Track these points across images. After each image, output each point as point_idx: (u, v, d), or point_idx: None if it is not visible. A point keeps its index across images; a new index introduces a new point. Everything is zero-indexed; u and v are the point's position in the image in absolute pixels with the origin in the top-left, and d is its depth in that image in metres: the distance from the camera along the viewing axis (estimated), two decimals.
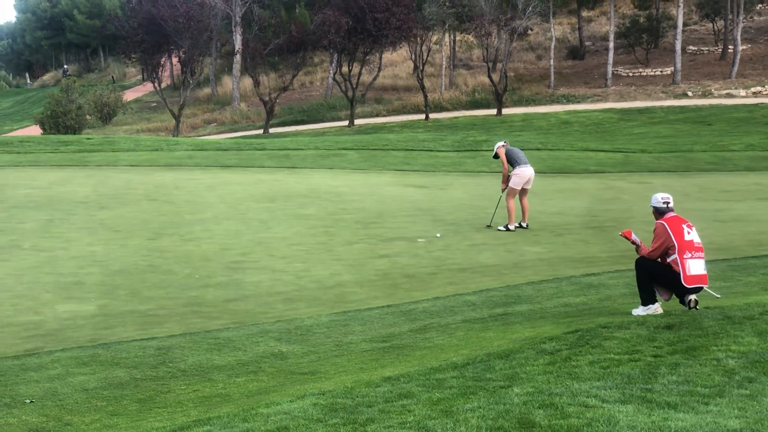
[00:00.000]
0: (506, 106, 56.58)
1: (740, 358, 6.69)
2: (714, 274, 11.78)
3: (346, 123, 56.57)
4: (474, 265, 14.20)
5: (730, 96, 54.14)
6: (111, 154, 30.26)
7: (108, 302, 12.14)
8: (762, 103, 50.53)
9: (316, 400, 6.45)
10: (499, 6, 60.13)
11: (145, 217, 18.89)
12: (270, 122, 56.97)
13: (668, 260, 9.04)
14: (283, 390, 7.45)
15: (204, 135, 58.33)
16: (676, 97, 55.53)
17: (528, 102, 59.11)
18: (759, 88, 54.60)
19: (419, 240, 16.34)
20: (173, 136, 51.66)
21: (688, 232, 9.07)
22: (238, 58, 67.66)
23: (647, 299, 9.15)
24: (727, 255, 13.57)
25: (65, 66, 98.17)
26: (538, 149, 31.50)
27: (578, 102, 57.41)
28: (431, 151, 32.37)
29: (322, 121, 60.31)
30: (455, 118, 55.51)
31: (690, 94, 55.64)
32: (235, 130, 60.01)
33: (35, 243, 16.21)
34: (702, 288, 9.02)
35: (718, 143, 34.97)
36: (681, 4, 59.69)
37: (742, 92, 54.51)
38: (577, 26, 73.50)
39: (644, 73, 63.50)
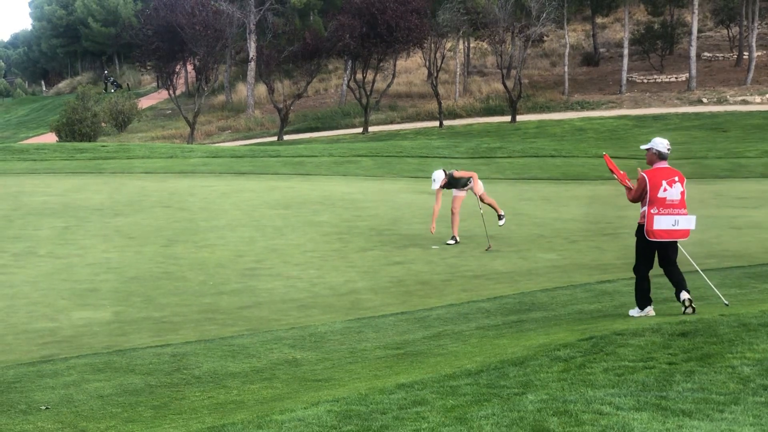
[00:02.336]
0: (520, 113, 56.50)
1: (755, 365, 6.66)
2: (729, 281, 11.76)
3: (360, 130, 56.60)
4: (488, 271, 14.19)
5: (745, 102, 53.94)
6: (126, 162, 30.39)
7: (123, 309, 12.18)
8: None
9: (330, 407, 6.45)
10: (513, 13, 60.08)
11: (160, 224, 18.96)
12: (284, 129, 57.04)
13: (641, 209, 9.89)
14: (297, 397, 7.46)
15: (218, 142, 58.47)
16: (691, 103, 55.34)
17: (542, 109, 59.01)
18: None
19: (433, 247, 16.34)
20: (188, 144, 51.79)
21: (665, 189, 9.82)
22: (252, 65, 67.83)
23: (643, 304, 9.87)
24: (742, 262, 13.53)
25: (106, 73, 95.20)
26: (552, 156, 31.48)
27: (593, 109, 57.28)
28: (445, 158, 32.37)
29: (337, 128, 60.36)
30: (469, 125, 55.48)
31: (705, 100, 55.45)
32: (250, 137, 60.13)
33: (51, 250, 16.29)
34: (673, 242, 9.88)
35: (734, 150, 34.85)
36: (696, 11, 59.53)
37: (758, 99, 54.29)
38: (591, 33, 73.37)
39: (659, 80, 63.34)
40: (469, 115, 59.48)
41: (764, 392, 6.02)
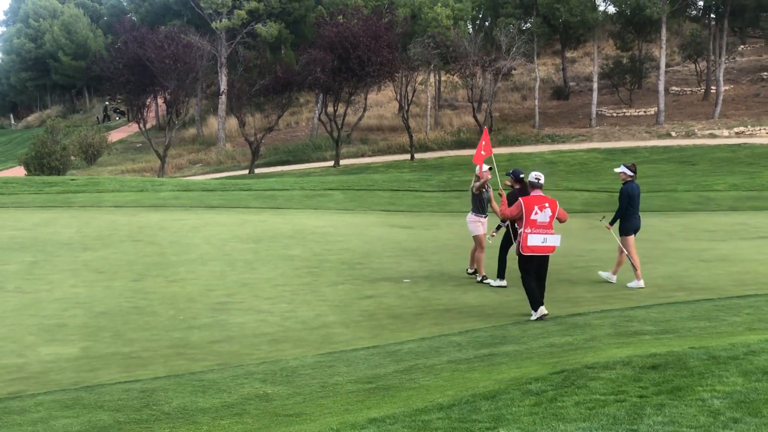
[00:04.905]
0: (492, 146, 56.80)
1: (725, 398, 6.69)
2: (699, 313, 11.83)
3: (331, 163, 56.67)
4: (459, 305, 14.19)
5: (713, 136, 54.51)
6: (95, 195, 30.22)
7: (91, 344, 12.06)
8: (745, 143, 50.90)
9: None
10: (483, 47, 60.59)
11: (130, 258, 18.84)
12: (255, 162, 57.02)
13: (519, 230, 12.63)
14: None
15: (189, 175, 58.31)
16: (660, 137, 55.88)
17: (513, 142, 59.36)
18: (742, 128, 54.99)
19: (405, 280, 16.33)
20: (158, 177, 51.62)
21: (536, 213, 12.52)
22: (223, 98, 67.90)
23: (534, 305, 12.56)
24: (711, 295, 13.61)
25: (108, 104, 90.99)
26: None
27: (563, 142, 57.70)
28: (417, 191, 32.45)
29: (308, 161, 60.41)
30: (441, 158, 55.69)
31: (674, 134, 56.00)
32: (221, 171, 60.03)
33: (19, 285, 16.13)
34: (544, 256, 12.63)
35: (702, 183, 35.18)
36: (664, 45, 60.27)
37: (725, 132, 54.89)
38: (561, 67, 74.06)
39: (628, 114, 63.94)
40: (440, 148, 59.73)
41: (734, 425, 6.04)
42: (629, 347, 9.48)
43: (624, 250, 15.51)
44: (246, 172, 56.58)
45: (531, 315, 12.58)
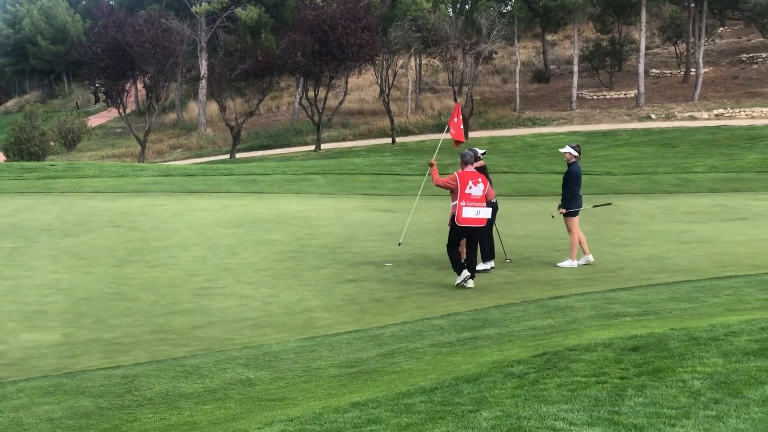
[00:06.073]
0: (472, 130, 56.83)
1: (706, 379, 6.73)
2: (679, 295, 11.89)
3: (312, 147, 56.59)
4: (441, 288, 14.22)
5: (692, 118, 54.74)
6: (75, 181, 30.07)
7: (73, 330, 12.02)
8: (724, 125, 51.14)
9: (284, 427, 6.41)
10: (464, 30, 60.56)
11: (110, 244, 18.76)
12: (236, 147, 56.88)
13: (453, 203, 13.77)
14: (250, 417, 7.40)
15: (170, 160, 58.12)
16: (640, 119, 56.06)
17: (494, 125, 59.42)
18: (721, 111, 55.25)
19: (387, 264, 16.34)
20: (139, 162, 51.42)
21: (470, 187, 13.66)
22: (203, 83, 67.62)
23: (459, 270, 13.93)
24: (692, 276, 13.69)
25: (97, 86, 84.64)
26: (504, 172, 31.68)
27: (544, 125, 57.80)
28: (398, 175, 32.46)
29: (289, 145, 60.29)
30: (422, 141, 55.68)
31: (654, 116, 56.19)
32: (202, 156, 59.86)
33: None
34: (475, 228, 13.81)
35: (682, 165, 35.33)
36: (643, 28, 60.39)
37: (705, 114, 55.13)
38: (541, 50, 74.12)
39: (608, 96, 64.10)
40: (421, 132, 59.73)
41: (715, 406, 6.08)
42: (610, 329, 9.53)
43: (570, 230, 15.82)
44: (227, 156, 56.43)
45: (456, 280, 14.09)
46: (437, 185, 14.19)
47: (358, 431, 6.10)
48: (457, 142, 17.16)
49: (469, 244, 14.20)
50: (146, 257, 17.32)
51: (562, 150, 16.47)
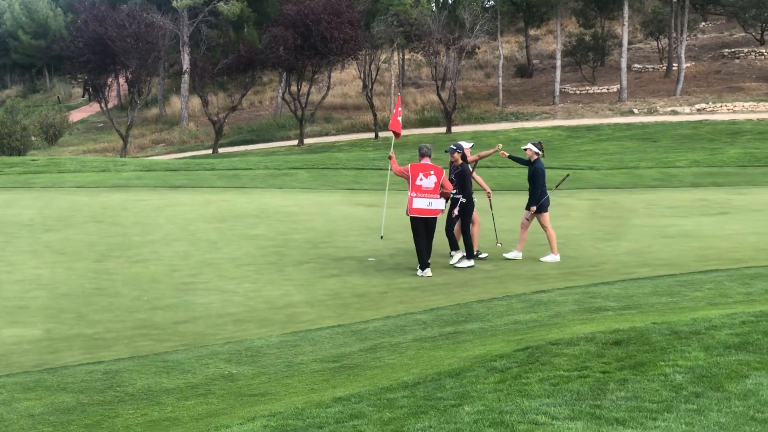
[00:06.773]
0: (455, 124, 56.88)
1: (687, 373, 6.75)
2: (661, 289, 11.94)
3: (295, 142, 56.51)
4: (424, 283, 14.23)
5: (675, 113, 54.93)
6: (57, 176, 29.90)
7: (54, 326, 11.96)
8: (706, 120, 51.36)
9: (267, 422, 6.40)
10: (446, 25, 60.53)
11: (92, 239, 18.67)
12: (219, 142, 56.72)
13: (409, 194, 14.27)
14: (233, 412, 7.39)
15: (152, 155, 57.90)
16: (623, 114, 56.23)
17: (477, 120, 59.48)
18: (703, 105, 55.46)
19: (370, 259, 16.33)
20: (121, 157, 51.20)
21: (421, 179, 14.25)
22: (186, 77, 67.37)
23: (422, 265, 14.54)
24: (674, 270, 13.74)
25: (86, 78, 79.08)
26: (488, 167, 31.68)
27: (527, 119, 57.91)
28: (381, 169, 32.41)
29: (272, 140, 60.19)
30: (405, 136, 55.53)
31: (636, 111, 56.36)
32: (184, 150, 59.66)
33: None
34: (427, 219, 14.36)
35: (664, 160, 35.43)
36: (626, 23, 60.54)
37: (687, 109, 55.33)
38: (524, 44, 74.22)
39: (591, 91, 64.25)
40: (404, 127, 59.55)
41: (696, 400, 6.10)
42: (592, 323, 9.55)
43: (544, 225, 15.96)
44: (210, 151, 56.28)
45: (419, 271, 14.62)
46: (396, 174, 14.80)
47: (340, 426, 6.10)
48: (397, 134, 17.07)
49: (426, 235, 14.58)
50: (128, 252, 17.25)
51: (524, 148, 16.60)
